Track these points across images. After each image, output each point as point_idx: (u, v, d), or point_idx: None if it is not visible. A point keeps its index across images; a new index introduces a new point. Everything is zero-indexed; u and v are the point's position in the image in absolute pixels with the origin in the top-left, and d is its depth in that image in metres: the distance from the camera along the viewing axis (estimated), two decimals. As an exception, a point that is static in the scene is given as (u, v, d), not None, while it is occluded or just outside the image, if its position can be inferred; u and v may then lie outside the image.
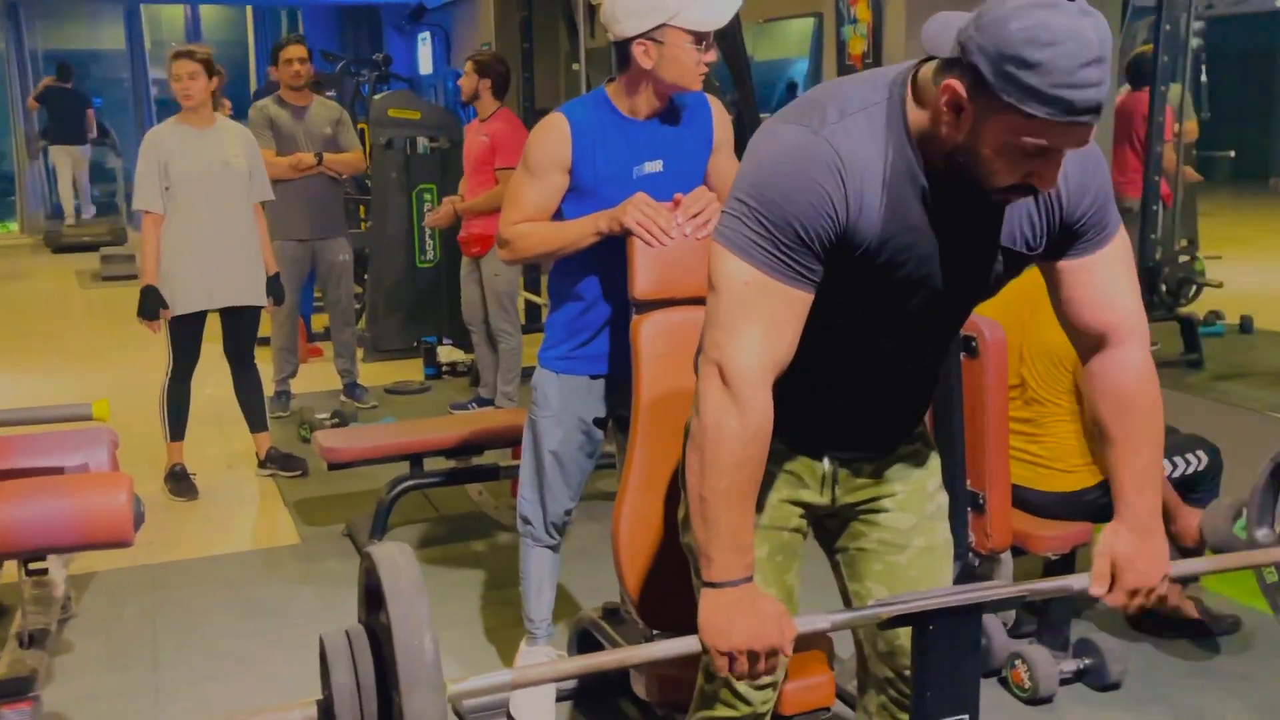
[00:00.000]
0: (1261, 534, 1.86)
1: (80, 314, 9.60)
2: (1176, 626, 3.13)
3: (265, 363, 5.87)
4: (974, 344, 2.59)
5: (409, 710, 1.22)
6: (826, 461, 1.77)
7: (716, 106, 2.59)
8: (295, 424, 5.31)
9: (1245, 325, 5.74)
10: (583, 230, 2.40)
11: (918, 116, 1.48)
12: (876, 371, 1.70)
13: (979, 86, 1.36)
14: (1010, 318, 2.68)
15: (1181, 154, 5.27)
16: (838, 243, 1.49)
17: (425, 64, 13.58)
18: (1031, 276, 2.86)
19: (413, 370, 6.29)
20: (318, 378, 6.06)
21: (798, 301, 1.51)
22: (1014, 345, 2.87)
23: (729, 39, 5.24)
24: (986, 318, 2.66)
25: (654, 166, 2.47)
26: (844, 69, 4.66)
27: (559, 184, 2.45)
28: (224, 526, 4.32)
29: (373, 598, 1.37)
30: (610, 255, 2.42)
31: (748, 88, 5.28)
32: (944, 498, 1.87)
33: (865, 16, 4.43)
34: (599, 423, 2.65)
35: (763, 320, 1.49)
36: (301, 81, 5.27)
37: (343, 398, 5.64)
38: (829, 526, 1.87)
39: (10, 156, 13.90)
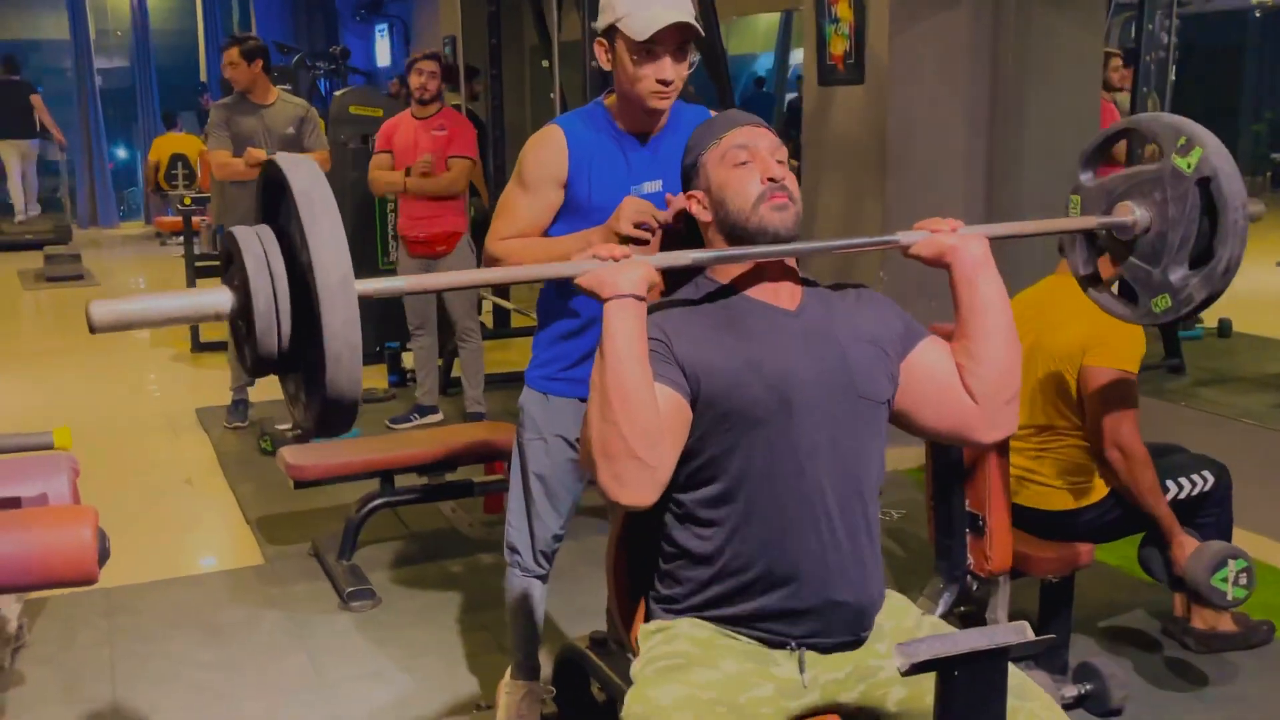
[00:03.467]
0: (1085, 177, 2.15)
1: (26, 317, 9.30)
2: (1217, 641, 3.09)
3: (222, 369, 5.68)
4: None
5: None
6: (793, 644, 1.77)
7: None
8: (255, 435, 5.13)
9: (1224, 328, 5.70)
10: (574, 249, 2.26)
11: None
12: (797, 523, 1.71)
13: None
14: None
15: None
16: None
17: (383, 56, 13.34)
18: (1040, 292, 2.79)
19: (376, 377, 6.11)
20: (277, 386, 5.84)
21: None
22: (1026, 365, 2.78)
23: (706, 36, 5.12)
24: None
25: (653, 186, 2.33)
26: (824, 69, 4.55)
27: (553, 199, 2.32)
28: (183, 546, 4.15)
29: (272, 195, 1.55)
30: None
31: (725, 85, 5.18)
32: (930, 623, 1.84)
33: (846, 15, 4.31)
34: None
35: None
36: (239, 86, 5.08)
37: (304, 406, 5.45)
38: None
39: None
